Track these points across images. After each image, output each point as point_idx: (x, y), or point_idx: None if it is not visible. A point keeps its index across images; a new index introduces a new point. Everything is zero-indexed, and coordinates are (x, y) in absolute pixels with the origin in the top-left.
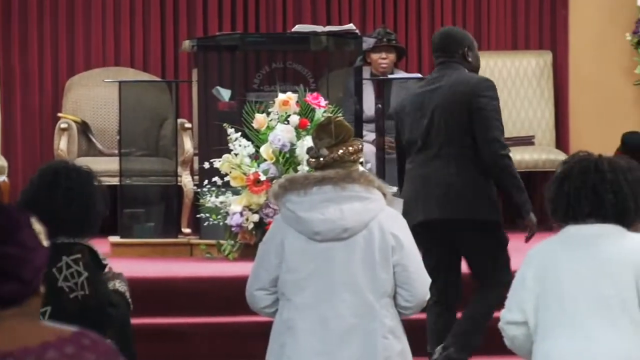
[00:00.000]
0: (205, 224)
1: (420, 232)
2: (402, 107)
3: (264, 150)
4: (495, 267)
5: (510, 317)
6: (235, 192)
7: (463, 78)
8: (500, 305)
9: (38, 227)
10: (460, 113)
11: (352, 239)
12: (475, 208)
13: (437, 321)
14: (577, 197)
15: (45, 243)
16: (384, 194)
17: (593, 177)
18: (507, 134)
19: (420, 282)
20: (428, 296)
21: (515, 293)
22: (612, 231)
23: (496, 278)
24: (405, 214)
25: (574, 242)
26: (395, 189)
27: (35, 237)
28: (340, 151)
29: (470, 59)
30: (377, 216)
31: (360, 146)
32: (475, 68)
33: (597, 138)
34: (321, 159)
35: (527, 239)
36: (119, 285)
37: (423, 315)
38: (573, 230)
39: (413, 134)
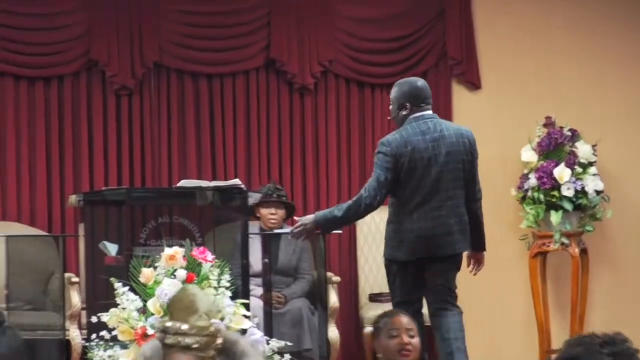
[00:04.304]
0: None
1: (424, 263)
2: (410, 150)
3: (151, 304)
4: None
5: None
6: (124, 346)
7: (458, 127)
8: None
9: None
10: (465, 160)
11: None
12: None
13: None
14: None
15: None
16: None
17: None
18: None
19: None
20: None
21: None
22: None
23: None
24: (422, 247)
25: None
26: None
27: None
28: None
29: None
30: None
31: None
32: None
33: (483, 293)
34: None
35: (476, 272)
36: None
37: None
38: None
39: (427, 177)
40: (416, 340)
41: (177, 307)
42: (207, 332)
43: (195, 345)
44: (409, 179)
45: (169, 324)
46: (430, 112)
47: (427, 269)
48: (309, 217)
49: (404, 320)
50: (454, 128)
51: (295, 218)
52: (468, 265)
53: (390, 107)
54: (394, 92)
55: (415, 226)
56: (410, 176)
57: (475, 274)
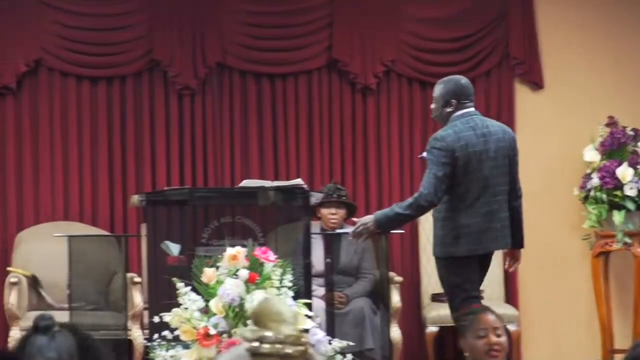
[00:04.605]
0: None
1: (482, 259)
2: (464, 145)
3: (214, 304)
4: None
5: None
6: (186, 346)
7: (500, 124)
8: None
9: None
10: (510, 155)
11: None
12: None
13: None
14: None
15: None
16: None
17: None
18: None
19: None
20: None
21: None
22: None
23: None
24: (478, 242)
25: None
26: None
27: None
28: None
29: None
30: None
31: None
32: None
33: (546, 293)
34: None
35: (513, 269)
36: None
37: None
38: None
39: (480, 172)
40: (504, 339)
41: (265, 316)
42: (301, 342)
43: (293, 354)
44: (463, 175)
45: (266, 333)
46: (473, 108)
47: (480, 265)
48: (369, 218)
49: (491, 318)
50: (497, 124)
51: (354, 219)
52: (504, 262)
53: (434, 105)
54: (438, 89)
55: (471, 221)
56: (464, 171)
57: (511, 271)
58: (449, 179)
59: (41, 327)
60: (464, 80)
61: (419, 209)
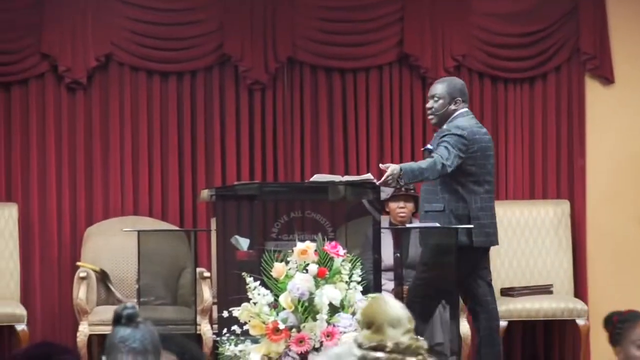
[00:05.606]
0: None
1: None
2: (479, 139)
3: (283, 299)
4: None
5: None
6: (255, 341)
7: None
8: None
9: None
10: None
11: None
12: None
13: None
14: None
15: None
16: None
17: None
18: (525, 283)
19: None
20: None
21: None
22: None
23: None
24: (487, 236)
25: None
26: None
27: None
28: None
29: None
30: None
31: None
32: None
33: (615, 287)
34: None
35: None
36: None
37: None
38: None
39: (488, 167)
40: None
41: (382, 320)
42: (420, 351)
43: None
44: (475, 167)
45: (384, 341)
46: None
47: (482, 261)
48: (397, 168)
49: None
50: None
51: (381, 165)
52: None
53: (438, 101)
54: (442, 87)
55: (481, 214)
56: (475, 164)
57: None
58: (460, 165)
59: (125, 317)
60: (462, 80)
61: (433, 171)
